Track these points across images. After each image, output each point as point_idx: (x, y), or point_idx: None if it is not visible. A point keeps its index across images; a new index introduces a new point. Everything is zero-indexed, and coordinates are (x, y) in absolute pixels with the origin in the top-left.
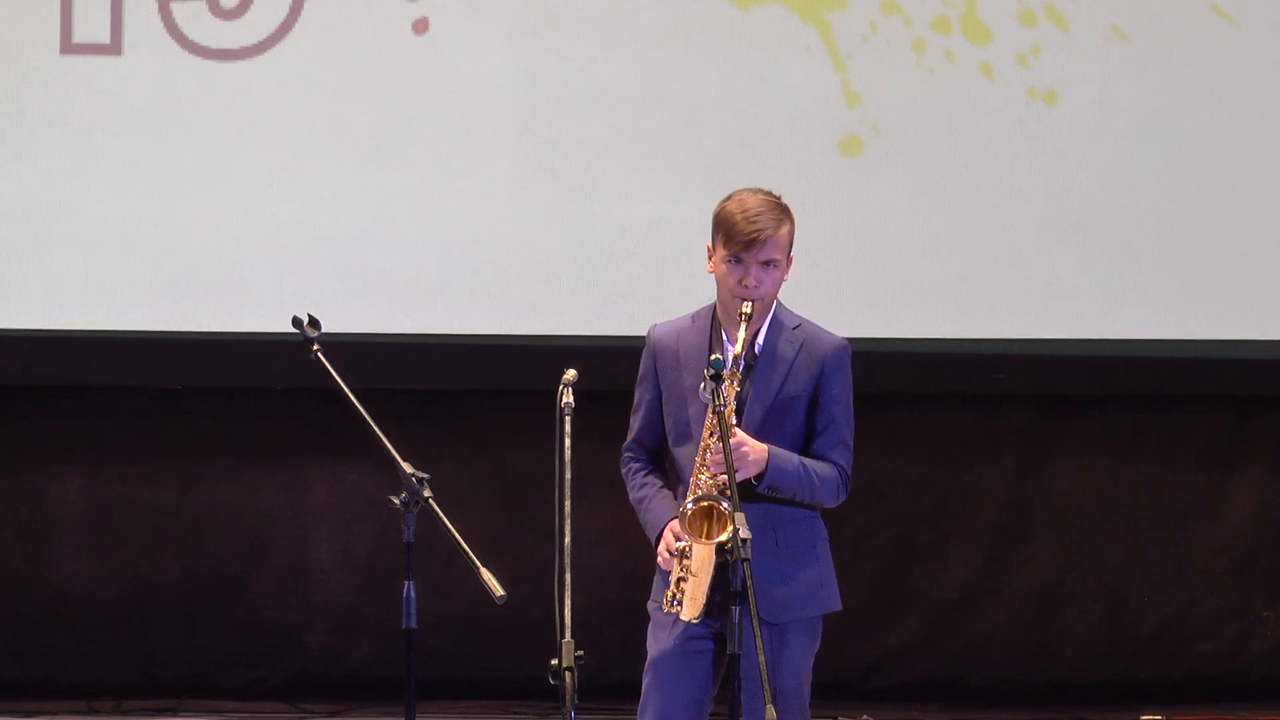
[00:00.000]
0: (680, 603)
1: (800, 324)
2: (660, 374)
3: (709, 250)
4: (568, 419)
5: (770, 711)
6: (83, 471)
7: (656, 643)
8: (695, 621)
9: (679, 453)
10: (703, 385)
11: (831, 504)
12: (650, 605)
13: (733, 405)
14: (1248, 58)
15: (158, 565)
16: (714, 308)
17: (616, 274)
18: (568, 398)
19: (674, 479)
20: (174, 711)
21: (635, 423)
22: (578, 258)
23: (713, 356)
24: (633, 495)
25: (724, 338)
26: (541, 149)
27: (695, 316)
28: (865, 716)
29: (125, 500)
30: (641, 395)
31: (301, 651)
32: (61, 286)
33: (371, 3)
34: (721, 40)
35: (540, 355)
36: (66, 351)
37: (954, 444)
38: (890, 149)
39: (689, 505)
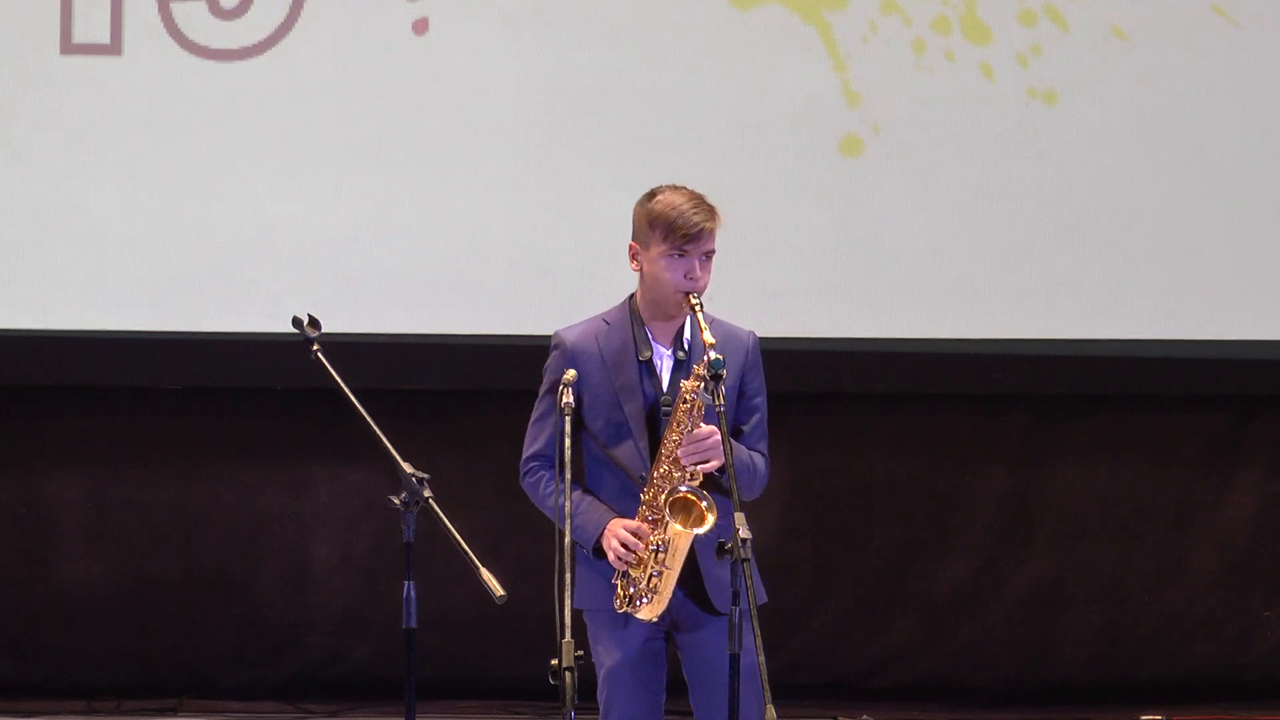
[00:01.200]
0: (649, 600)
1: (713, 320)
2: (582, 378)
3: (633, 249)
4: (568, 419)
5: (770, 711)
6: (83, 471)
7: (610, 650)
8: (654, 620)
9: (615, 453)
10: (702, 385)
11: (756, 495)
12: (590, 610)
13: (707, 401)
14: (1248, 58)
15: (158, 565)
16: (628, 307)
17: (616, 274)
18: (568, 398)
19: (609, 481)
20: (174, 711)
21: (540, 433)
22: (578, 258)
23: (713, 357)
24: (551, 503)
25: (649, 336)
26: (541, 149)
27: (607, 318)
28: (865, 716)
29: (125, 500)
30: (551, 403)
31: (301, 651)
32: (62, 286)
33: (371, 3)
34: (721, 40)
35: (540, 355)
36: (66, 351)
37: (954, 444)
38: (890, 149)
39: (682, 489)
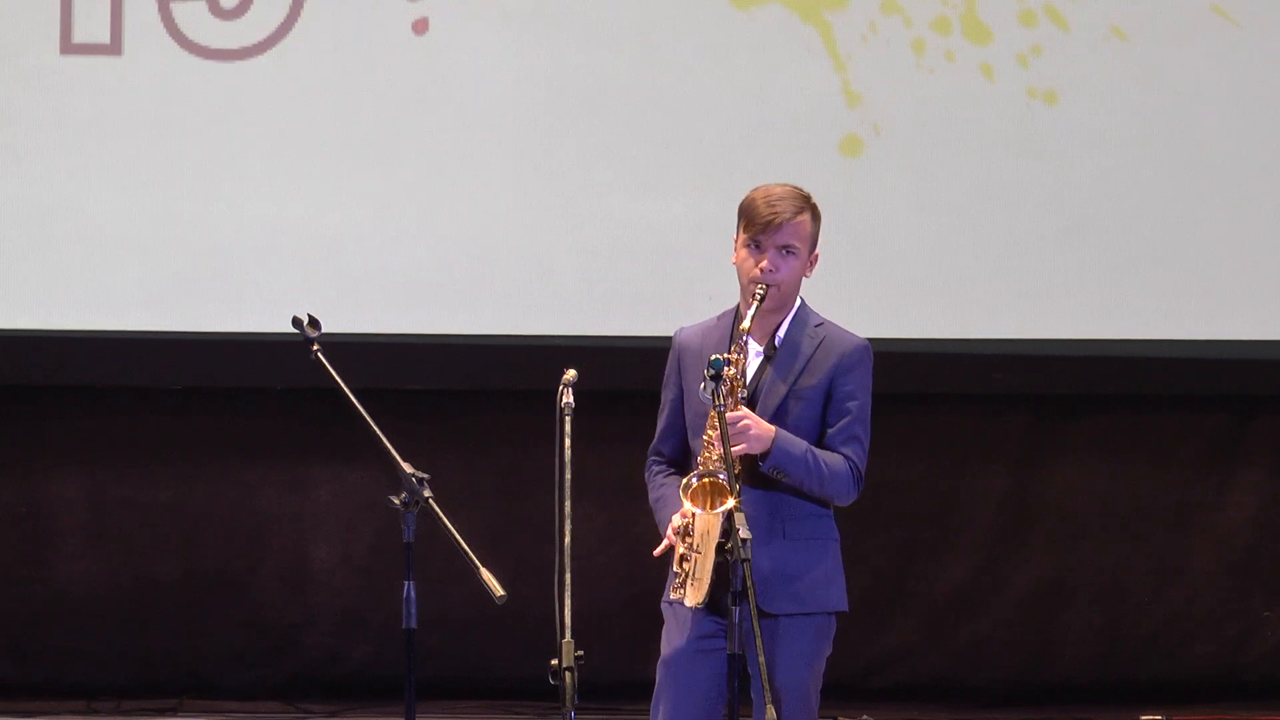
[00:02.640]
0: (685, 586)
1: (823, 323)
2: (684, 374)
3: (735, 242)
4: (568, 419)
5: (770, 711)
6: (83, 471)
7: (669, 641)
8: (700, 607)
9: (697, 445)
10: (702, 385)
11: (842, 500)
12: (663, 604)
13: (741, 383)
14: (1248, 58)
15: (158, 565)
16: (737, 306)
17: (616, 274)
18: (568, 398)
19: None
20: (174, 711)
21: (659, 425)
22: (578, 258)
23: (713, 357)
24: (651, 497)
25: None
26: (541, 149)
27: (720, 317)
28: (865, 716)
29: (125, 500)
30: (665, 397)
31: (301, 651)
32: (61, 286)
33: (371, 3)
34: (721, 40)
35: (540, 355)
36: (66, 351)
37: (954, 444)
38: (890, 149)
39: (693, 480)
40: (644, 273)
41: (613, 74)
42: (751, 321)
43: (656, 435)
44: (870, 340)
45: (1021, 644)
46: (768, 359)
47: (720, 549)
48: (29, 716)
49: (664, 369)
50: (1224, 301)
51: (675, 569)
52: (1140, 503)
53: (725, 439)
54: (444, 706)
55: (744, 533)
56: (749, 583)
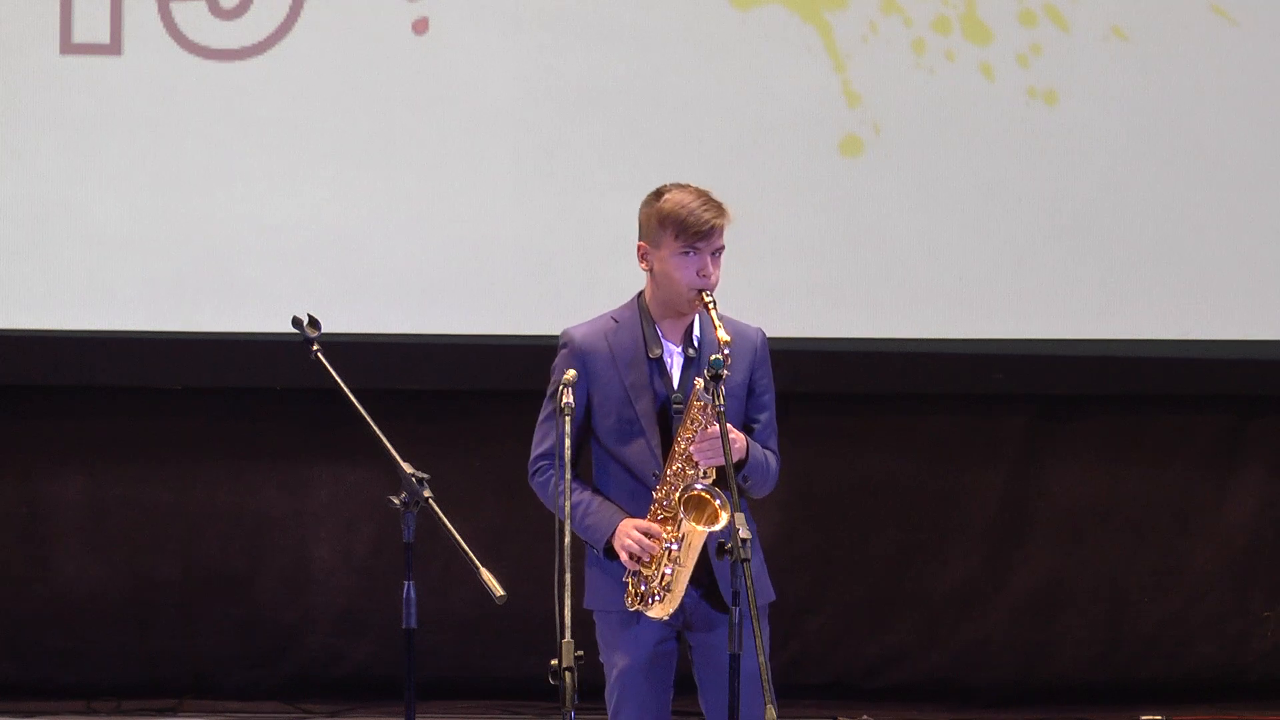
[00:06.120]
0: (661, 598)
1: (723, 317)
2: (592, 377)
3: (642, 249)
4: (567, 419)
5: (770, 712)
6: (83, 471)
7: (622, 652)
8: (665, 619)
9: (625, 451)
10: (703, 385)
11: (766, 493)
12: (600, 611)
13: (706, 404)
14: (1248, 58)
15: (158, 565)
16: (637, 305)
17: (616, 274)
18: (567, 398)
19: (618, 481)
20: (174, 711)
21: (548, 433)
22: (578, 258)
23: (712, 357)
24: (574, 500)
25: (659, 334)
26: (541, 149)
27: (615, 316)
28: (865, 716)
29: (125, 500)
30: (563, 400)
31: (301, 651)
32: (62, 286)
33: (371, 3)
34: (721, 40)
35: (540, 355)
36: (66, 351)
37: (953, 444)
38: (890, 149)
39: (698, 486)
40: (644, 273)
41: (613, 74)
42: (726, 332)
43: (548, 441)
44: (869, 340)
45: (1021, 644)
46: (690, 360)
47: (720, 549)
48: (29, 716)
49: None
50: (1224, 301)
51: (651, 584)
52: (1140, 503)
53: (725, 440)
54: (444, 706)
55: (744, 532)
56: (749, 583)
